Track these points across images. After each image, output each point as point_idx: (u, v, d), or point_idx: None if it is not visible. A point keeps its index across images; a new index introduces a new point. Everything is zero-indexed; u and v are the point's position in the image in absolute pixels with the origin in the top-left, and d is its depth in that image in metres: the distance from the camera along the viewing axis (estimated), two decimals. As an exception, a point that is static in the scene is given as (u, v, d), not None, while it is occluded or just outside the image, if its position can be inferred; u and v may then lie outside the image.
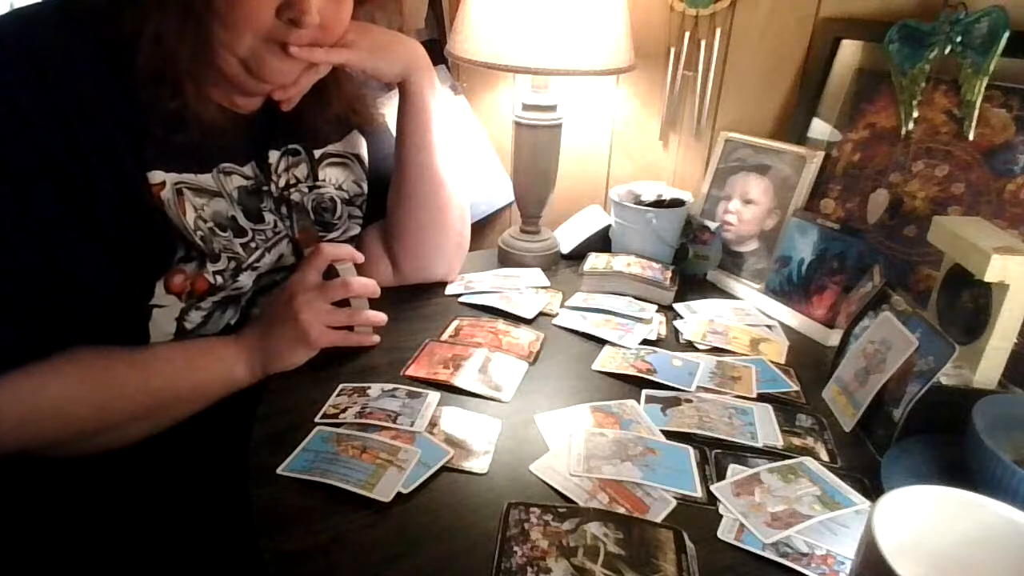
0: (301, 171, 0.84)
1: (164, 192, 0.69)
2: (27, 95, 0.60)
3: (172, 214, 0.69)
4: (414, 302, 0.96)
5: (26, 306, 0.63)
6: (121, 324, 0.69)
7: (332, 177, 0.88)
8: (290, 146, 0.83)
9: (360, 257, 0.81)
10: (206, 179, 0.73)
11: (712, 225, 1.05)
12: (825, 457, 0.69)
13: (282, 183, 0.82)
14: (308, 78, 0.75)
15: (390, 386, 0.75)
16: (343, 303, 0.80)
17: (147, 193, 0.68)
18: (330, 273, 0.79)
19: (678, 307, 0.98)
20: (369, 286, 0.80)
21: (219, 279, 0.74)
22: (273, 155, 0.81)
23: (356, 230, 0.93)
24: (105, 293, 0.67)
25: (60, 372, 0.65)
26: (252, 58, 0.68)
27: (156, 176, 0.68)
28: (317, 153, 0.86)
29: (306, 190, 0.85)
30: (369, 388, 0.75)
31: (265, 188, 0.80)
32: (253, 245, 0.78)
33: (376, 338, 0.84)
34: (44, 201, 0.62)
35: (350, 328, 0.81)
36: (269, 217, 0.80)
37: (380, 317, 0.83)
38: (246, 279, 0.78)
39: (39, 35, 0.62)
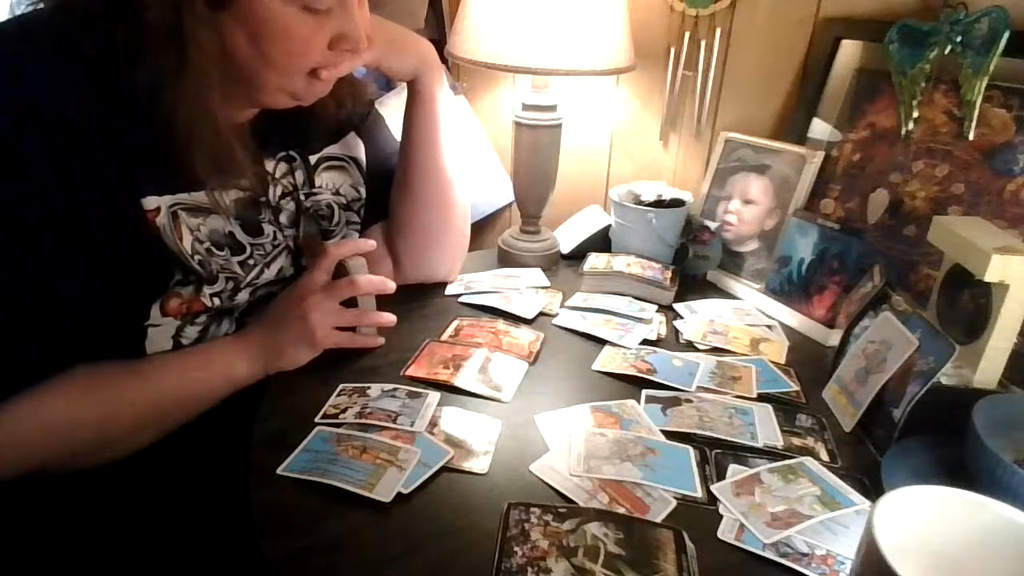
0: (298, 178, 0.83)
1: (159, 218, 0.67)
2: (15, 129, 0.58)
3: (168, 240, 0.68)
4: (414, 302, 0.96)
5: (24, 333, 0.62)
6: (117, 345, 0.69)
7: (329, 182, 0.87)
8: (285, 152, 0.82)
9: (370, 245, 0.80)
10: (200, 197, 0.71)
11: (712, 225, 1.05)
12: (825, 457, 0.69)
13: (279, 191, 0.81)
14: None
15: (390, 386, 0.75)
16: (351, 303, 0.80)
17: (142, 220, 0.66)
18: (339, 272, 0.79)
19: (678, 307, 0.98)
20: (376, 283, 0.80)
21: (216, 301, 0.73)
22: (269, 163, 0.80)
23: (354, 236, 0.93)
24: (101, 319, 0.66)
25: (61, 392, 0.64)
26: (302, 89, 0.69)
27: (150, 202, 0.67)
28: (313, 159, 0.85)
29: (303, 197, 0.84)
30: (369, 388, 0.75)
31: (263, 199, 0.79)
32: (251, 262, 0.77)
33: (381, 340, 0.84)
34: (37, 232, 0.61)
35: (354, 329, 0.81)
36: (268, 229, 0.79)
37: (388, 318, 0.82)
38: (243, 296, 0.78)
39: (25, 61, 0.60)
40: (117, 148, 0.63)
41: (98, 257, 0.64)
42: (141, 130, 0.63)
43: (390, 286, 0.81)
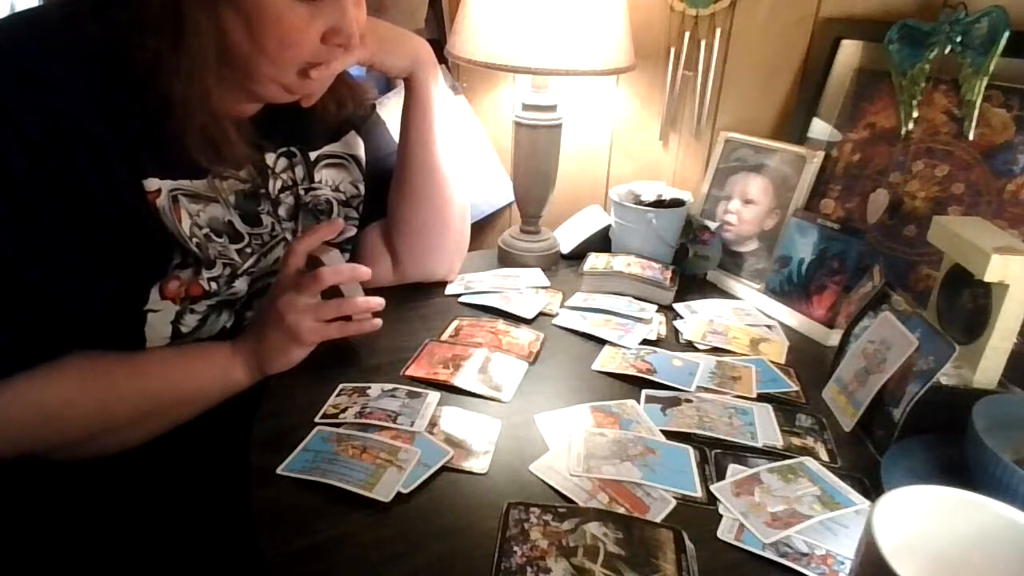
0: (298, 173, 0.84)
1: (160, 200, 0.68)
2: (18, 106, 0.59)
3: (168, 222, 0.69)
4: (414, 302, 0.96)
5: (23, 314, 0.62)
6: (117, 329, 0.69)
7: (328, 179, 0.88)
8: (286, 148, 0.82)
9: (338, 225, 0.77)
10: (201, 184, 0.72)
11: (712, 225, 1.05)
12: (825, 457, 0.69)
13: (278, 185, 0.82)
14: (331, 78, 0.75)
15: (390, 386, 0.75)
16: (336, 293, 0.76)
17: (143, 201, 0.67)
18: (313, 265, 0.76)
19: (678, 307, 0.98)
20: (344, 272, 0.75)
21: (213, 285, 0.74)
22: (270, 157, 0.80)
23: (353, 232, 0.93)
24: (101, 300, 0.67)
25: (59, 377, 0.65)
26: (294, 83, 0.69)
27: (152, 184, 0.68)
28: (313, 155, 0.85)
29: (302, 192, 0.84)
30: (369, 388, 0.75)
31: (263, 191, 0.79)
32: (249, 251, 0.78)
33: (378, 322, 0.79)
34: (39, 210, 0.61)
35: (348, 318, 0.77)
36: (266, 220, 0.80)
37: (375, 301, 0.78)
38: (241, 284, 0.78)
39: (31, 41, 0.61)
40: (121, 129, 0.64)
41: (99, 237, 0.64)
42: (143, 111, 0.64)
43: (361, 272, 0.76)
